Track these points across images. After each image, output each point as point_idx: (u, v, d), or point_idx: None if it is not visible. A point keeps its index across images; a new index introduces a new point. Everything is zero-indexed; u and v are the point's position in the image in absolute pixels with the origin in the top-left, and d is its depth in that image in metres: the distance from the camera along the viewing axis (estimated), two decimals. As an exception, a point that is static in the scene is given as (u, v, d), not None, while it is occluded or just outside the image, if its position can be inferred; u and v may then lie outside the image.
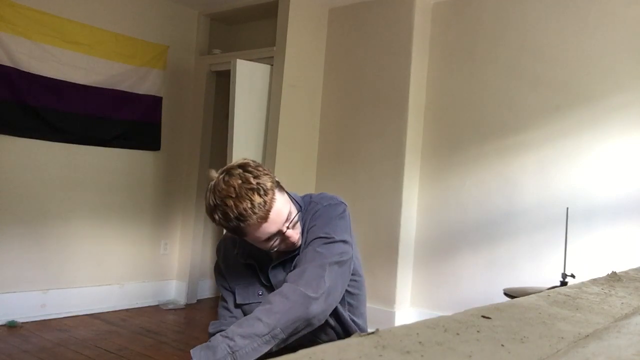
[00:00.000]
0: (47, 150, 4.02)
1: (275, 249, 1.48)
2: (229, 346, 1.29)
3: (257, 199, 1.37)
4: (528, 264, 3.62)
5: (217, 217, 1.40)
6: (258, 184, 1.38)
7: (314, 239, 1.46)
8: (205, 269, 5.08)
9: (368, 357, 0.43)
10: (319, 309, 1.36)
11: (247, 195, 1.37)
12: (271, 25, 4.54)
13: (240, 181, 1.38)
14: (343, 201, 1.56)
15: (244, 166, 1.42)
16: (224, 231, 1.61)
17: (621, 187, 3.36)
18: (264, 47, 4.53)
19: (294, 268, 1.46)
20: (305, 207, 1.55)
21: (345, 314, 1.55)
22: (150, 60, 4.58)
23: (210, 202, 1.40)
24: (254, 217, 1.37)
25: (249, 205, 1.36)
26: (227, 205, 1.37)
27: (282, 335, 1.31)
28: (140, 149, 4.58)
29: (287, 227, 1.44)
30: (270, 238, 1.44)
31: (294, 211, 1.48)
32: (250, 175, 1.40)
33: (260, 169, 1.43)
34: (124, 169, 4.49)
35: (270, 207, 1.39)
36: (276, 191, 1.42)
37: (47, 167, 4.03)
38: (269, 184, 1.40)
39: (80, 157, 4.20)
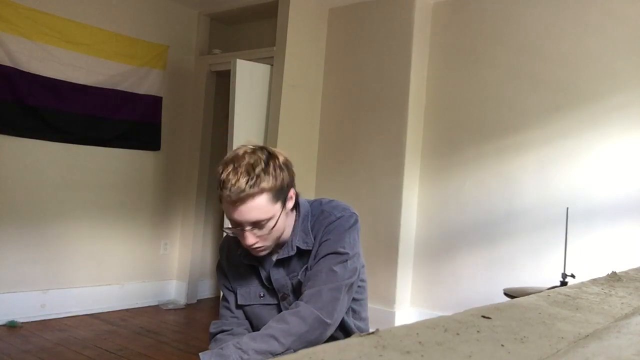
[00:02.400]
0: (47, 150, 4.02)
1: (247, 248, 1.46)
2: (242, 358, 1.31)
3: (240, 182, 1.35)
4: (528, 264, 3.62)
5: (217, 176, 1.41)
6: (257, 174, 1.36)
7: (329, 254, 1.45)
8: (205, 269, 5.08)
9: (368, 357, 0.43)
10: (331, 332, 1.42)
11: (240, 171, 1.36)
12: (271, 25, 4.54)
13: (251, 160, 1.38)
14: (355, 212, 1.55)
15: (271, 158, 1.41)
16: (224, 234, 1.61)
17: (621, 187, 3.36)
18: (264, 47, 4.53)
19: (307, 281, 1.45)
20: (316, 214, 1.53)
21: (350, 320, 1.55)
22: (150, 60, 4.58)
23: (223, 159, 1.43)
24: (226, 192, 1.36)
25: (233, 181, 1.35)
26: (224, 168, 1.39)
27: (293, 354, 1.32)
28: (140, 149, 4.58)
29: (251, 229, 1.41)
30: (234, 225, 1.43)
31: (278, 229, 1.44)
32: (263, 165, 1.38)
33: (278, 171, 1.41)
34: (123, 169, 4.49)
35: (245, 199, 1.36)
36: (271, 198, 1.39)
37: (47, 167, 4.03)
38: (267, 185, 1.37)
39: (80, 157, 4.20)
